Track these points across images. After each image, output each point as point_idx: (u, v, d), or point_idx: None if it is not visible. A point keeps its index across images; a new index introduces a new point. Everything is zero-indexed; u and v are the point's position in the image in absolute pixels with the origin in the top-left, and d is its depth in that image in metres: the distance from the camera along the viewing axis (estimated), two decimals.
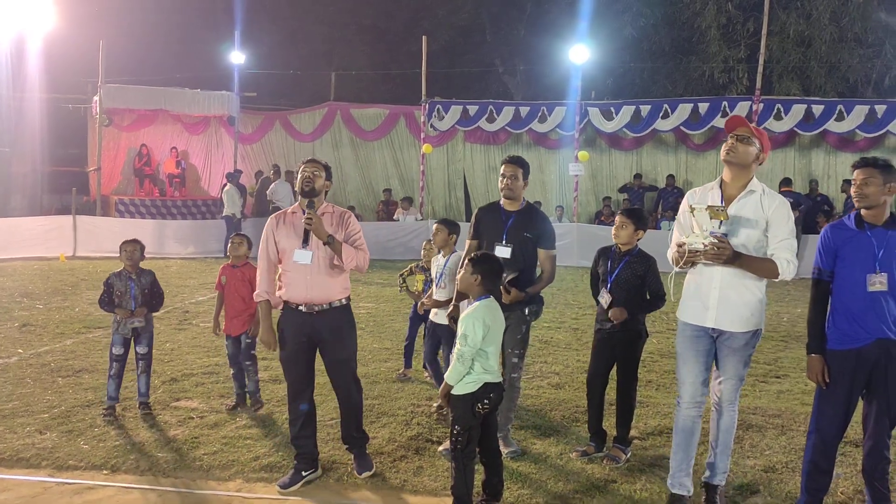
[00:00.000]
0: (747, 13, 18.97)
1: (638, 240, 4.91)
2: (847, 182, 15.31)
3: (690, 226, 3.94)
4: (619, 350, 4.91)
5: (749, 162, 3.93)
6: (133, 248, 5.62)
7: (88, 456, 4.73)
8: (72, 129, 21.09)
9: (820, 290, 4.03)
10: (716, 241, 3.75)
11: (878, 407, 3.96)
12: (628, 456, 4.86)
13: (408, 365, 6.76)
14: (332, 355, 4.52)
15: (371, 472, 4.49)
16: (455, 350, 3.85)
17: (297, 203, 4.59)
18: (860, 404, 4.03)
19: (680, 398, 4.13)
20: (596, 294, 5.04)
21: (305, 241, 4.39)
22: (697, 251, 3.81)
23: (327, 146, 20.22)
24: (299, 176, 4.47)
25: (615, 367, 4.98)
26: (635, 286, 4.83)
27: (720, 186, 4.03)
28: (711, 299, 3.94)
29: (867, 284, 3.79)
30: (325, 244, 4.36)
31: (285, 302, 4.49)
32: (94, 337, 8.10)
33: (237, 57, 18.83)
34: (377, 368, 6.97)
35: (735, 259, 3.79)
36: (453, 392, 3.85)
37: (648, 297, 4.91)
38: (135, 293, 5.54)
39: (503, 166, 4.94)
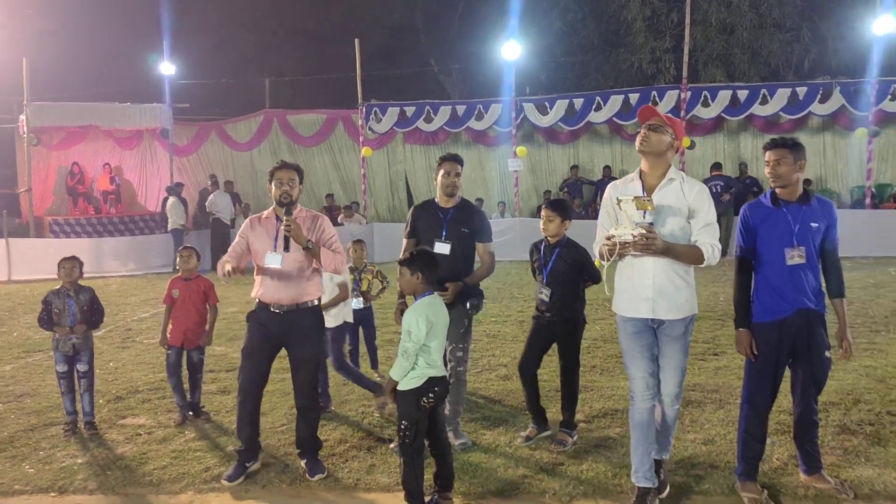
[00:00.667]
0: (671, 4, 19.49)
1: (566, 230, 5.00)
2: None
3: (617, 218, 3.94)
4: (560, 338, 5.02)
5: (663, 150, 3.94)
6: (72, 264, 5.59)
7: (35, 479, 4.66)
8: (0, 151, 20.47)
9: (743, 267, 4.23)
10: (644, 231, 3.74)
11: (804, 374, 4.19)
12: (575, 439, 4.99)
13: (355, 367, 6.81)
14: (297, 354, 4.62)
15: (324, 475, 4.54)
16: (399, 346, 3.92)
17: (269, 209, 4.70)
18: (788, 374, 4.26)
19: (633, 394, 4.08)
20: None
21: (286, 248, 4.51)
22: (627, 243, 3.79)
23: (265, 154, 20.06)
24: (275, 188, 4.58)
25: (558, 356, 5.10)
26: (571, 276, 4.94)
27: (640, 177, 4.03)
28: (646, 290, 3.93)
29: (786, 258, 3.99)
30: (304, 249, 4.48)
31: (259, 300, 4.63)
32: (35, 361, 7.92)
33: (167, 68, 18.52)
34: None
35: (664, 248, 3.79)
36: (398, 388, 3.93)
37: (587, 283, 5.05)
38: (74, 310, 5.50)
39: (445, 164, 5.04)
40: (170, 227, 16.20)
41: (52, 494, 4.47)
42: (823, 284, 4.20)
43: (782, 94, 16.32)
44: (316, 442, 4.73)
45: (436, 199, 5.15)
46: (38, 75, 17.44)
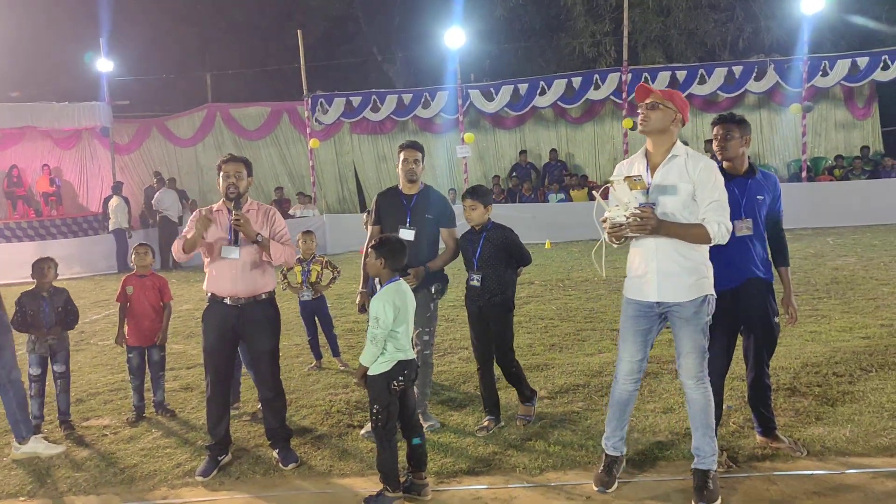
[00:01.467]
0: None
1: (489, 215, 4.97)
2: (709, 142, 16.34)
3: (616, 200, 3.84)
4: (492, 323, 4.97)
5: (666, 126, 3.83)
6: (47, 265, 5.51)
7: (2, 485, 4.59)
8: None
9: None
10: (637, 212, 3.66)
11: (755, 341, 4.40)
12: (535, 406, 5.13)
13: (318, 356, 6.87)
14: (256, 346, 4.65)
15: (297, 464, 4.59)
16: (368, 332, 3.99)
17: (219, 202, 4.69)
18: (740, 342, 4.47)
19: (617, 373, 4.11)
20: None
21: (235, 242, 4.50)
22: (621, 224, 3.73)
23: (210, 149, 19.79)
24: (223, 181, 4.58)
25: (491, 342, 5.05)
26: (501, 259, 4.94)
27: (645, 156, 3.94)
28: (650, 273, 3.85)
29: (735, 230, 4.12)
30: (254, 243, 4.50)
31: (211, 294, 4.62)
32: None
33: (104, 65, 18.05)
34: (290, 364, 7.01)
35: (661, 228, 3.70)
36: (369, 373, 4.01)
37: (518, 267, 5.08)
38: (48, 312, 5.43)
39: (404, 151, 5.12)
40: (112, 227, 15.83)
41: (22, 499, 4.42)
42: (769, 255, 4.42)
43: (719, 74, 16.80)
44: (286, 431, 4.77)
45: (399, 187, 5.22)
46: None
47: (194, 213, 4.75)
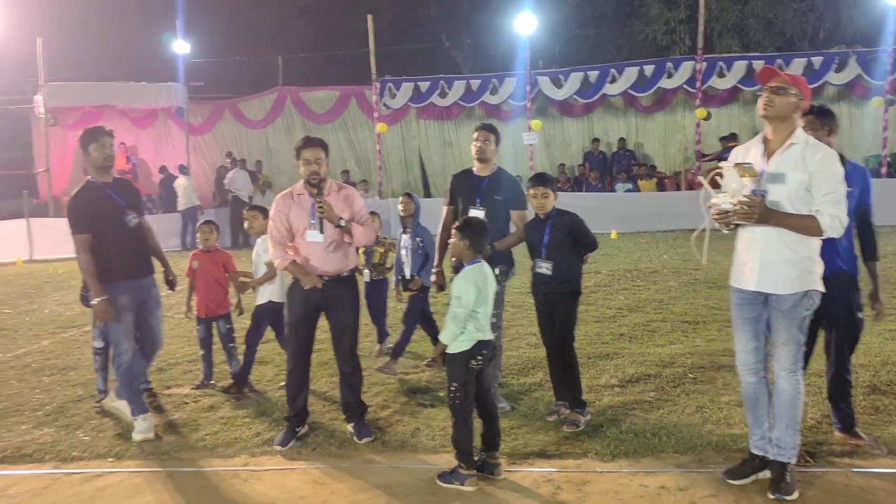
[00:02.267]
0: None
1: (554, 202, 4.93)
2: (734, 136, 15.85)
3: (725, 186, 3.75)
4: (557, 311, 4.91)
5: (789, 113, 3.71)
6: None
7: (91, 446, 4.82)
8: (13, 132, 20.59)
9: None
10: (745, 199, 3.58)
11: (837, 335, 4.30)
12: (587, 418, 4.86)
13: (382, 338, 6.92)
14: (337, 322, 4.77)
15: (371, 438, 4.69)
16: (449, 311, 4.05)
17: (299, 184, 4.77)
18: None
19: (737, 366, 4.02)
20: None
21: (321, 229, 4.63)
22: (727, 211, 3.65)
23: (280, 131, 20.15)
24: (303, 167, 4.65)
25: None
26: (568, 245, 4.89)
27: (763, 142, 3.82)
28: (753, 262, 3.77)
29: None
30: (337, 227, 4.61)
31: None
32: (70, 336, 8.09)
33: (181, 46, 18.53)
34: (360, 343, 7.10)
35: (768, 218, 3.61)
36: (448, 351, 4.06)
37: (585, 253, 5.00)
38: None
39: (477, 132, 5.21)
40: (182, 206, 16.27)
41: (110, 460, 4.63)
42: (857, 248, 4.30)
43: (798, 64, 16.23)
44: (361, 406, 4.88)
45: (473, 168, 5.29)
46: (53, 55, 17.47)
47: (273, 234, 4.80)
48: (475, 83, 18.12)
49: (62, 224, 15.73)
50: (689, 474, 4.09)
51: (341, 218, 4.64)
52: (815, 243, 3.74)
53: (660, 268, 10.87)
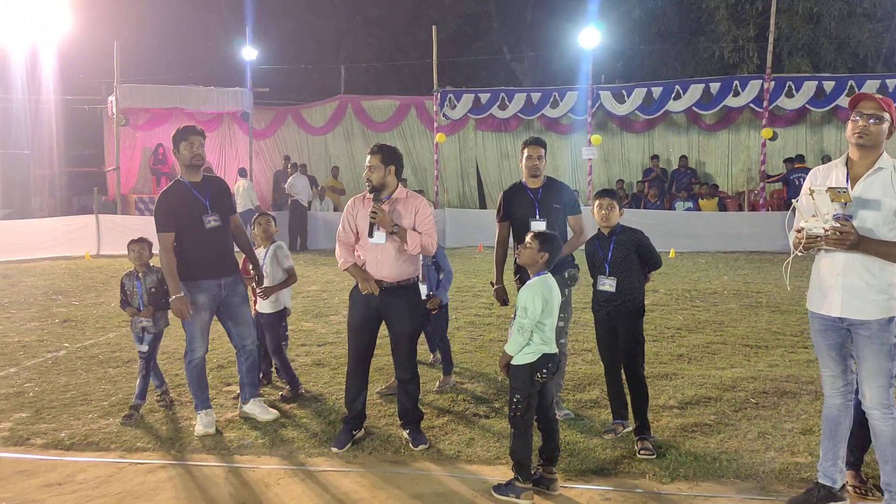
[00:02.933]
0: None
1: (620, 219, 4.88)
2: (828, 158, 15.41)
3: (812, 209, 3.62)
4: (622, 330, 4.83)
5: (882, 141, 3.62)
6: (140, 246, 5.51)
7: (154, 438, 4.95)
8: (87, 130, 21.36)
9: None
10: (838, 225, 3.47)
11: None
12: (652, 441, 4.71)
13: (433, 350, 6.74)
14: (396, 329, 4.80)
15: (426, 446, 4.70)
16: (515, 322, 4.05)
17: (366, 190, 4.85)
18: None
19: (823, 388, 3.93)
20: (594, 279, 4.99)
21: (370, 234, 4.68)
22: (818, 236, 3.53)
23: (339, 139, 20.47)
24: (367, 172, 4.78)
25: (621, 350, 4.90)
26: (632, 262, 4.82)
27: (846, 164, 3.71)
28: (835, 287, 3.66)
29: None
30: (390, 233, 4.63)
31: None
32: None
33: (249, 52, 18.95)
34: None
35: (860, 244, 3.49)
36: (513, 362, 4.05)
37: (649, 271, 4.95)
38: (141, 292, 5.45)
39: (528, 148, 5.26)
40: (242, 208, 16.57)
41: (173, 452, 4.75)
42: None
43: (871, 86, 15.75)
44: (417, 413, 4.90)
45: (523, 182, 5.35)
46: (127, 58, 18.07)
47: (349, 202, 4.91)
48: (536, 96, 18.11)
49: (128, 221, 16.40)
50: (750, 501, 3.99)
51: (395, 224, 4.66)
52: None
53: (720, 289, 10.65)
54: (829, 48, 18.75)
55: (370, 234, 4.69)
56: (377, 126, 20.25)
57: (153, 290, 5.45)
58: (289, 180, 17.13)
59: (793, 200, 3.77)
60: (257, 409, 5.27)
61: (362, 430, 4.90)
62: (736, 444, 4.74)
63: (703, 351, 7.14)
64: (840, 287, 3.65)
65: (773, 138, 16.31)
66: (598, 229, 4.94)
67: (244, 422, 5.22)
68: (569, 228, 5.37)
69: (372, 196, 4.74)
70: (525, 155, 5.25)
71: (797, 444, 4.70)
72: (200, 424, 5.02)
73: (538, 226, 5.09)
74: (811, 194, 3.58)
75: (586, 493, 4.11)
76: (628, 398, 4.91)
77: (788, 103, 16.28)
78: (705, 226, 15.74)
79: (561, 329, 5.04)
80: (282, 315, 5.99)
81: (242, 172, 17.36)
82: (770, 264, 13.19)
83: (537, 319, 3.97)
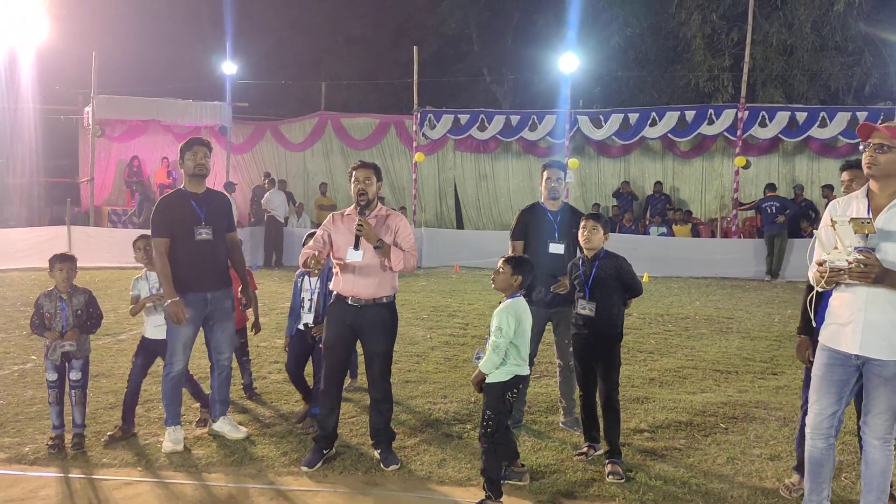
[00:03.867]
0: (731, 23, 19.37)
1: (604, 243, 4.88)
2: (827, 188, 15.71)
3: (834, 241, 3.55)
4: (600, 355, 4.84)
5: (894, 170, 3.54)
6: (70, 266, 5.10)
7: (120, 455, 4.87)
8: (63, 141, 21.14)
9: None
10: (862, 257, 3.38)
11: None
12: (623, 467, 4.70)
13: (353, 375, 6.52)
14: (371, 347, 4.78)
15: (398, 466, 4.69)
16: (490, 342, 4.09)
17: (353, 206, 4.86)
18: None
19: (807, 426, 3.83)
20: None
21: (356, 246, 4.66)
22: (840, 269, 3.44)
23: (318, 155, 20.45)
24: (353, 186, 4.77)
25: (597, 375, 4.90)
26: (613, 288, 4.83)
27: (867, 196, 3.64)
28: (856, 322, 3.55)
29: None
30: (374, 248, 4.63)
31: (336, 293, 4.79)
32: (104, 344, 8.19)
33: (229, 67, 18.91)
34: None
35: (885, 277, 3.39)
36: (488, 380, 4.11)
37: (628, 298, 4.97)
38: (66, 314, 5.02)
39: (548, 171, 5.44)
40: None
41: (139, 469, 4.68)
42: None
43: (842, 118, 16.11)
44: (389, 433, 4.87)
45: (541, 203, 5.46)
46: (104, 69, 17.94)
47: (311, 242, 4.90)
48: (515, 118, 18.25)
49: (101, 233, 16.20)
50: None
51: (379, 239, 4.67)
52: None
53: (692, 314, 10.75)
54: (801, 80, 19.13)
55: (356, 247, 4.68)
56: (357, 143, 20.25)
57: (79, 311, 5.05)
58: (265, 196, 17.08)
59: (814, 230, 3.67)
60: (227, 427, 5.22)
61: (333, 449, 4.87)
62: (705, 469, 4.78)
63: (674, 375, 7.20)
64: (861, 322, 3.54)
65: (747, 166, 16.57)
66: (582, 252, 4.97)
67: (213, 439, 5.17)
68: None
69: (358, 210, 4.74)
70: (545, 177, 5.41)
71: (765, 470, 4.75)
72: (169, 441, 4.95)
73: (557, 248, 5.29)
74: (833, 225, 3.49)
75: None
76: (601, 421, 4.93)
77: (762, 132, 16.57)
78: (679, 251, 15.91)
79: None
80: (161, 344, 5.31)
81: (230, 187, 17.24)
82: (741, 290, 13.35)
83: (510, 339, 4.00)
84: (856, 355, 3.58)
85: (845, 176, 4.33)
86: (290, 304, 5.85)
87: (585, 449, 4.97)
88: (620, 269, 4.86)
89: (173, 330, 5.01)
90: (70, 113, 19.99)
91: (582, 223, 4.89)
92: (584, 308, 4.83)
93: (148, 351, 5.42)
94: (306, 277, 5.67)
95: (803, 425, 4.24)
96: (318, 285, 5.59)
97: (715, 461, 4.91)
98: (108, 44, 19.95)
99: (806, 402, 4.28)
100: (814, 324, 3.73)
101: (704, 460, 4.93)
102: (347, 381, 6.09)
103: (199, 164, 5.04)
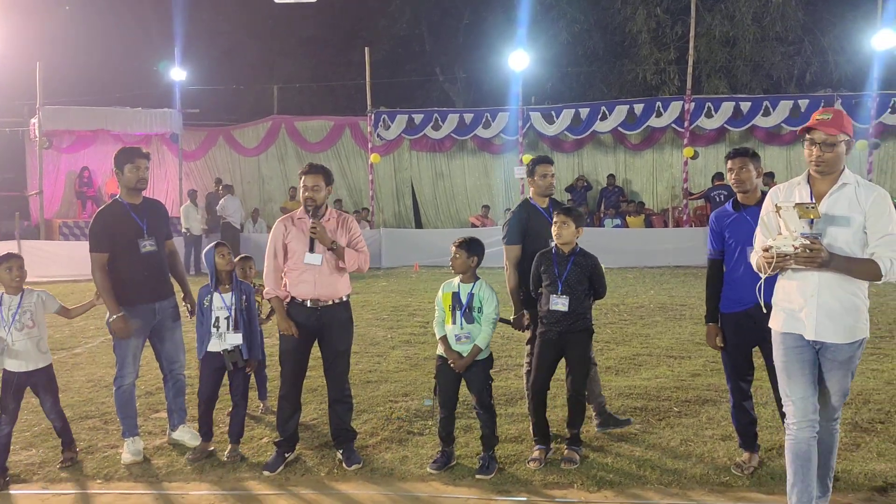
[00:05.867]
0: (675, 17, 19.79)
1: (578, 238, 4.84)
2: (768, 175, 16.01)
3: (777, 227, 3.56)
4: (572, 351, 4.84)
5: (841, 163, 3.55)
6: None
7: (79, 468, 4.84)
8: (8, 153, 20.66)
9: (713, 268, 4.62)
10: (807, 242, 3.36)
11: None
12: (581, 454, 4.83)
13: (262, 397, 6.14)
14: (331, 347, 4.84)
15: (360, 465, 4.73)
16: (483, 317, 4.62)
17: (300, 209, 4.87)
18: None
19: (789, 418, 3.68)
20: (534, 294, 4.99)
21: (311, 249, 4.70)
22: (787, 255, 3.39)
23: (273, 159, 20.34)
24: (302, 192, 4.78)
25: (566, 370, 4.91)
26: (585, 286, 4.84)
27: (808, 181, 3.64)
28: (809, 308, 3.53)
29: (748, 256, 4.05)
30: (329, 249, 4.68)
31: (291, 297, 4.80)
32: (60, 358, 8.08)
33: (178, 73, 18.70)
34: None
35: (830, 262, 3.38)
36: (482, 356, 4.67)
37: (594, 297, 4.98)
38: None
39: (541, 166, 5.27)
40: (193, 231, 16.30)
41: (98, 481, 4.65)
42: None
43: (784, 107, 16.61)
44: (351, 432, 4.92)
45: (531, 201, 5.37)
46: (50, 79, 17.59)
47: (276, 224, 4.92)
48: (468, 117, 18.39)
49: (52, 247, 15.87)
50: None
51: (334, 241, 4.71)
52: (865, 287, 3.57)
53: (646, 303, 10.99)
54: (744, 70, 19.65)
55: (311, 250, 4.71)
56: (311, 146, 20.19)
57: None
58: (220, 202, 16.93)
59: (770, 213, 3.65)
60: (186, 436, 5.21)
61: (295, 452, 4.90)
62: (660, 451, 4.93)
63: (629, 363, 7.37)
64: (815, 308, 3.52)
65: (695, 157, 16.96)
66: (555, 246, 4.87)
67: (173, 448, 5.15)
68: None
69: (310, 214, 4.76)
70: (539, 173, 5.23)
71: (717, 451, 4.91)
72: (128, 452, 4.93)
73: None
74: (777, 211, 3.47)
75: None
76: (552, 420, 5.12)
77: (708, 123, 16.97)
78: (633, 242, 16.23)
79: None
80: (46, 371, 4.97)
81: (193, 194, 17.01)
82: (693, 278, 13.65)
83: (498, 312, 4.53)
84: (812, 341, 3.58)
85: (731, 164, 4.52)
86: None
87: (537, 454, 4.80)
88: (594, 268, 4.85)
89: (121, 343, 4.98)
90: (15, 125, 19.53)
91: (554, 217, 4.86)
92: (557, 304, 4.75)
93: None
94: (216, 294, 4.95)
95: (734, 406, 4.63)
96: (233, 300, 4.93)
97: (669, 443, 5.06)
98: (53, 53, 19.58)
99: (734, 388, 4.60)
100: (764, 310, 3.73)
101: (659, 443, 5.08)
102: (260, 404, 5.98)
103: (141, 178, 5.00)
